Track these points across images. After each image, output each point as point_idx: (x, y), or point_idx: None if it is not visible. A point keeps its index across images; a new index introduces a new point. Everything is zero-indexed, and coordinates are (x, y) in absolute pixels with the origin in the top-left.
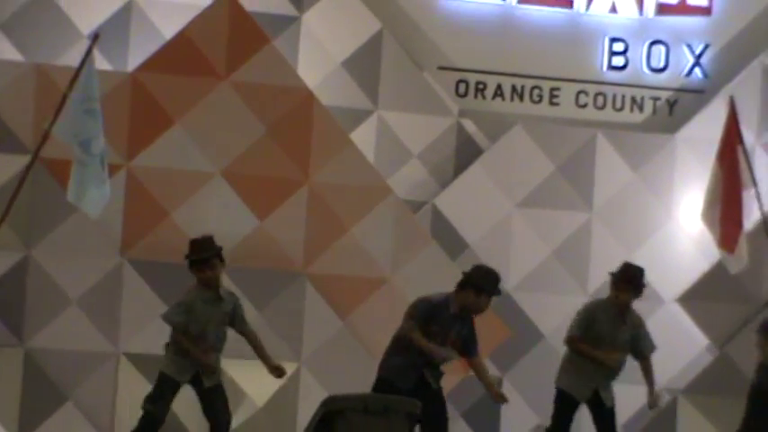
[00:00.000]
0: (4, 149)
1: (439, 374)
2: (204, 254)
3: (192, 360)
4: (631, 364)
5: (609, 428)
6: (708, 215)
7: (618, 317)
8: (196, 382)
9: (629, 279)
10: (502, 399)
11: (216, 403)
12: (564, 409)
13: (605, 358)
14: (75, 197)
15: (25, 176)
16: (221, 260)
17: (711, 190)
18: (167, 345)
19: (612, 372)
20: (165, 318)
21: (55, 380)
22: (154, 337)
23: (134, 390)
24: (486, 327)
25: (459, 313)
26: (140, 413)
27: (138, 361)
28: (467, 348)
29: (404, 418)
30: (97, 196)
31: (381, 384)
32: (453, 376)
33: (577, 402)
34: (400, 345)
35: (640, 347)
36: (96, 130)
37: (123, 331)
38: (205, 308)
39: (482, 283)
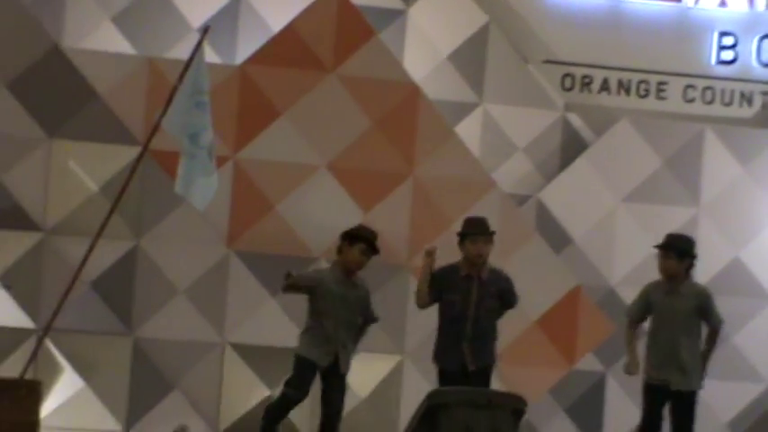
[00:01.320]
0: (116, 141)
1: (482, 351)
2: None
3: (328, 344)
4: (734, 361)
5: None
6: None
7: (672, 289)
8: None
9: (668, 244)
10: None
11: (334, 391)
12: (648, 400)
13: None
14: (183, 189)
15: (135, 168)
16: (376, 251)
17: None
18: (303, 331)
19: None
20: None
21: (162, 368)
22: (259, 328)
23: (239, 379)
24: (591, 322)
25: (473, 273)
26: (245, 403)
27: (244, 351)
28: (505, 302)
29: (509, 414)
30: (204, 188)
31: (439, 375)
32: (555, 372)
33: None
34: (439, 327)
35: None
36: (205, 122)
37: (229, 321)
38: (339, 289)
39: (467, 228)
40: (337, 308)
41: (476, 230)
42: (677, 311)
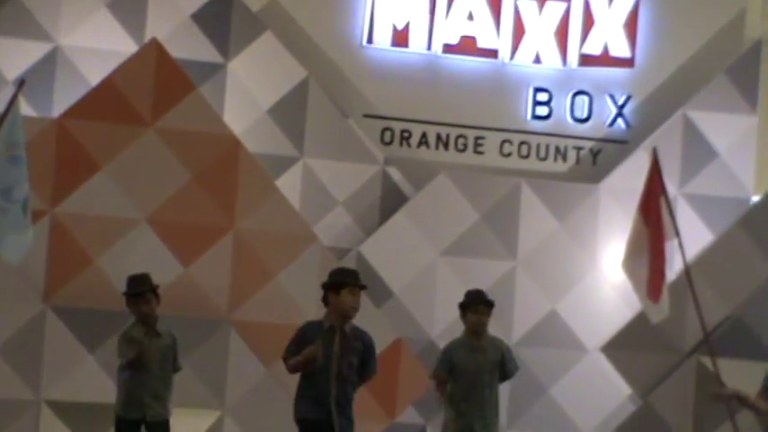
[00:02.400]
0: None
1: (346, 403)
2: (139, 288)
3: (138, 394)
4: (551, 412)
5: None
6: (628, 265)
7: (478, 347)
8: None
9: (487, 300)
10: None
11: None
12: None
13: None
14: None
15: None
16: (156, 296)
17: (632, 240)
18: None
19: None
20: (121, 356)
21: None
22: (76, 385)
23: None
24: (411, 375)
25: (336, 325)
26: None
27: (60, 408)
28: (363, 370)
29: None
30: (17, 243)
31: (298, 425)
32: (376, 425)
33: None
34: (299, 383)
35: (509, 368)
36: (20, 176)
37: (45, 378)
38: (144, 340)
39: (344, 278)
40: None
41: (355, 281)
42: (484, 372)
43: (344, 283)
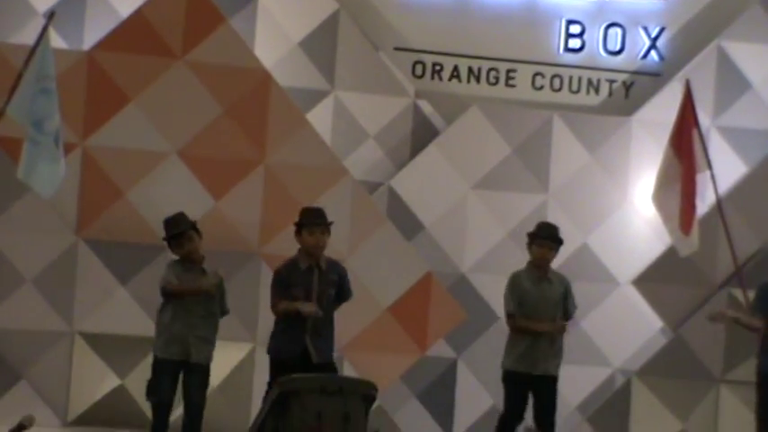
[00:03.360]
0: None
1: (324, 346)
2: (178, 228)
3: (182, 334)
4: (582, 345)
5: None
6: (658, 197)
7: (543, 278)
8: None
9: (554, 235)
10: None
11: (193, 384)
12: (513, 389)
13: (549, 328)
14: (26, 176)
15: None
16: (198, 232)
17: (663, 172)
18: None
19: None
20: (164, 281)
21: (9, 359)
22: (108, 317)
23: (88, 369)
24: (442, 309)
25: (312, 264)
26: (95, 392)
27: (93, 340)
28: (340, 295)
29: (360, 399)
30: (49, 175)
31: (271, 365)
32: (407, 358)
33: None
34: (277, 321)
35: (568, 306)
36: (51, 109)
37: (78, 311)
38: (192, 280)
39: (304, 219)
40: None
41: (313, 220)
42: (549, 305)
43: (303, 223)
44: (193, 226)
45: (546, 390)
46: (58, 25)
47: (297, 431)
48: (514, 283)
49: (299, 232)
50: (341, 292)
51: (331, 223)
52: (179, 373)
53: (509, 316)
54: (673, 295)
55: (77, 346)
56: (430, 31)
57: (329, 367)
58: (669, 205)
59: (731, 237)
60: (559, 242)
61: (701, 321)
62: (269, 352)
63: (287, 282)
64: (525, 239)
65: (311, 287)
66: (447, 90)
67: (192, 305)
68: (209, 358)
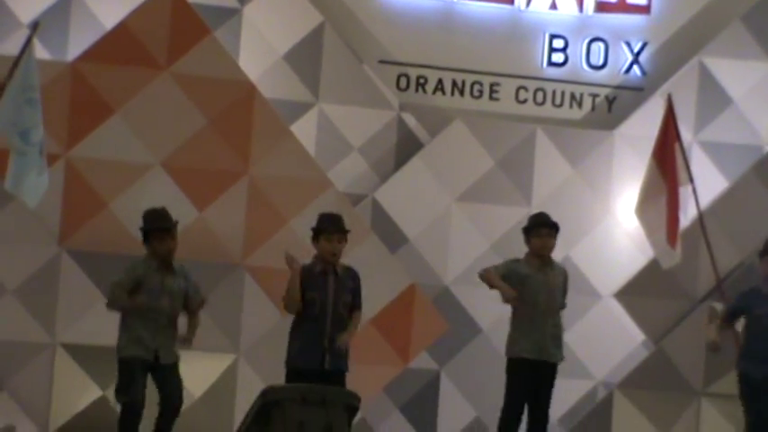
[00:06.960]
0: None
1: (339, 354)
2: (167, 223)
3: (146, 334)
4: (565, 358)
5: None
6: (642, 210)
7: (546, 264)
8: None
9: (550, 222)
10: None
11: (169, 382)
12: (520, 378)
13: (508, 291)
14: (13, 186)
15: None
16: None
17: (646, 186)
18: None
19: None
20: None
21: None
22: (91, 328)
23: (70, 380)
24: (425, 320)
25: (328, 269)
26: (76, 404)
27: (75, 351)
28: (354, 302)
29: (342, 410)
30: (35, 185)
31: (288, 374)
32: (390, 370)
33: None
34: (294, 327)
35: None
36: (36, 119)
37: (60, 322)
38: (160, 279)
39: (322, 225)
40: None
41: (331, 227)
42: (554, 292)
43: (321, 229)
44: (176, 226)
45: (549, 377)
46: (43, 36)
47: None
48: (510, 264)
49: (316, 238)
50: (355, 299)
51: (348, 231)
52: (147, 372)
53: (485, 270)
54: (654, 308)
55: (59, 358)
56: (414, 45)
57: (337, 377)
58: (653, 218)
59: (712, 250)
60: (557, 228)
61: (683, 334)
62: (287, 363)
63: (303, 285)
64: (509, 251)
65: (326, 290)
66: (431, 103)
67: (157, 311)
68: (177, 356)
